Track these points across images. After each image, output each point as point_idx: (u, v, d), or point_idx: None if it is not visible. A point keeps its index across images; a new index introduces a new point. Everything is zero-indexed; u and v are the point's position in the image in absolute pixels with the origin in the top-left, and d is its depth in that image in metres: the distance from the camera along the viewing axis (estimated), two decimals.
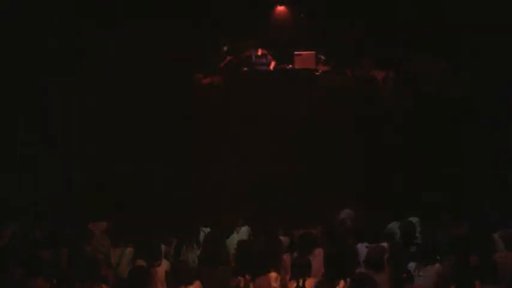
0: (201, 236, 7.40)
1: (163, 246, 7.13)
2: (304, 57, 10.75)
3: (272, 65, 11.21)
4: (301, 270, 6.07)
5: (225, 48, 11.26)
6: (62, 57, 10.37)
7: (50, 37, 10.42)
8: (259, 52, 11.21)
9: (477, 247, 6.61)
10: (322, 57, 11.05)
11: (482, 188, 9.21)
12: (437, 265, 6.39)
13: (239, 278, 6.24)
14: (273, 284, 6.19)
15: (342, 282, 5.87)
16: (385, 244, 6.92)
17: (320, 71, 10.82)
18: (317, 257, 6.63)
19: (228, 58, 11.21)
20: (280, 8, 12.17)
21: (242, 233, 7.89)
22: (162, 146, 10.07)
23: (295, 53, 10.78)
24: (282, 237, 7.57)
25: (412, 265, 6.40)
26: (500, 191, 9.15)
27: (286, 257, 6.89)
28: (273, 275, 6.25)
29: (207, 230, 7.58)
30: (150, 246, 6.78)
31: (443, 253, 6.62)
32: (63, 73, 10.34)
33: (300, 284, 5.97)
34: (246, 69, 11.12)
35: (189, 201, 9.52)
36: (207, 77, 10.94)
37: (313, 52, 10.79)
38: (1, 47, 10.18)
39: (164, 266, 6.59)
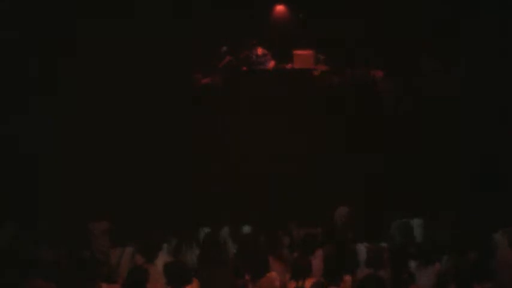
0: (201, 236, 7.42)
1: (165, 245, 7.16)
2: (303, 57, 10.75)
3: (271, 64, 11.21)
4: (301, 270, 6.08)
5: (225, 48, 11.25)
6: (60, 56, 10.37)
7: (48, 36, 10.41)
8: (260, 51, 11.21)
9: (477, 247, 6.63)
10: (322, 57, 11.05)
11: (482, 187, 9.21)
12: (437, 265, 6.41)
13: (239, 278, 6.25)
14: (273, 284, 6.19)
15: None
16: (385, 244, 6.94)
17: (319, 70, 10.82)
18: (317, 257, 6.65)
19: (228, 58, 11.20)
20: (280, 8, 12.19)
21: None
22: (161, 146, 10.06)
23: (295, 52, 10.78)
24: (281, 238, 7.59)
25: (412, 265, 6.42)
26: (500, 190, 9.14)
27: (286, 257, 6.90)
28: (273, 275, 6.25)
29: (207, 230, 7.59)
30: (148, 242, 6.80)
31: (443, 253, 6.64)
32: (62, 73, 10.35)
33: (300, 284, 5.98)
34: (245, 69, 11.12)
35: (189, 201, 9.52)
36: (207, 77, 10.94)
37: (312, 52, 10.79)
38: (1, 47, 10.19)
39: (162, 261, 6.60)
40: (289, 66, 10.95)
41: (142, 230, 7.43)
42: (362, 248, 6.84)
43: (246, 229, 7.87)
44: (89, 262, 6.45)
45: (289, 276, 6.22)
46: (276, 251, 6.82)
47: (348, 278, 6.12)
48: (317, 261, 6.54)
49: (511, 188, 8.95)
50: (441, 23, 10.40)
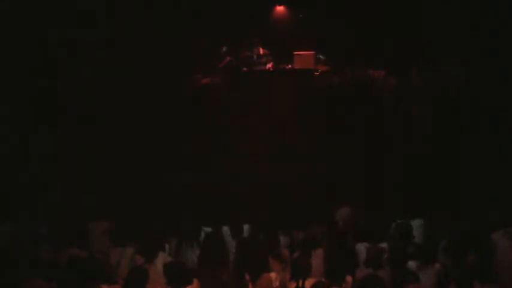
0: (201, 236, 7.42)
1: (166, 246, 7.16)
2: (303, 57, 10.75)
3: (271, 65, 11.21)
4: (301, 271, 6.08)
5: (224, 49, 11.25)
6: (60, 56, 10.36)
7: (48, 35, 10.40)
8: (261, 51, 11.21)
9: (477, 247, 6.62)
10: (322, 57, 11.05)
11: (483, 186, 9.20)
12: (437, 265, 6.41)
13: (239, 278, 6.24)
14: (273, 284, 6.19)
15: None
16: (384, 244, 6.94)
17: (320, 71, 10.83)
18: (317, 257, 6.65)
19: (228, 58, 11.21)
20: (280, 8, 12.19)
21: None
22: (161, 146, 10.06)
23: (295, 53, 10.78)
24: (282, 237, 7.58)
25: (412, 265, 6.42)
26: (500, 189, 9.14)
27: (286, 257, 6.90)
28: (273, 275, 6.25)
29: (207, 230, 7.60)
30: (148, 242, 6.81)
31: (443, 253, 6.63)
32: (63, 73, 10.34)
33: (300, 284, 5.98)
34: (245, 69, 11.12)
35: (189, 201, 9.52)
36: (207, 77, 10.94)
37: (312, 52, 10.79)
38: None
39: (162, 261, 6.60)
40: (289, 66, 10.95)
41: (142, 230, 7.42)
42: (362, 248, 6.84)
43: (246, 229, 7.86)
44: (89, 262, 6.45)
45: (289, 276, 6.22)
46: (276, 251, 6.82)
47: (348, 278, 6.12)
48: (317, 261, 6.54)
49: (511, 188, 8.94)
50: (441, 22, 10.40)
